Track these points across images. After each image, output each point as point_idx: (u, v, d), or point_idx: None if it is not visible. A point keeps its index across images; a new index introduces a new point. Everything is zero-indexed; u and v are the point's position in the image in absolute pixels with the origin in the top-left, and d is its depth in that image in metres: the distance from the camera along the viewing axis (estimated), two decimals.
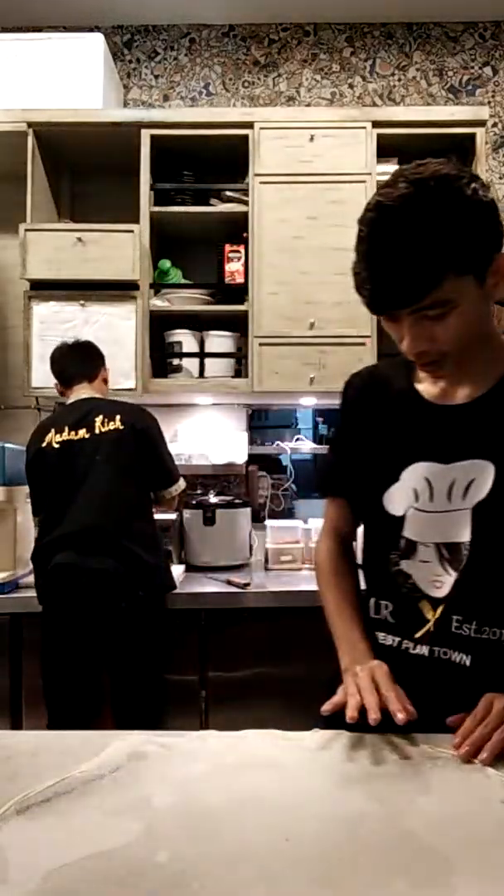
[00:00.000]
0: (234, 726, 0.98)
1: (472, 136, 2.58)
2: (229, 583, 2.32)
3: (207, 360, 2.67)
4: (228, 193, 2.65)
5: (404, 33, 3.06)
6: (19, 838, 0.72)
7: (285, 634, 2.22)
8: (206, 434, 2.93)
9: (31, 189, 2.60)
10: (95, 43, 2.67)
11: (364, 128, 2.57)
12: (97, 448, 2.07)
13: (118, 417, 2.11)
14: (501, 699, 0.92)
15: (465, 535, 1.00)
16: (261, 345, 2.55)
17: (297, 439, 3.06)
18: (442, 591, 1.02)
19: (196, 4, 2.94)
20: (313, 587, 2.38)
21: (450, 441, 1.02)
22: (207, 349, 2.68)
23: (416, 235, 0.86)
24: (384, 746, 0.92)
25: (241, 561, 2.63)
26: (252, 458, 2.96)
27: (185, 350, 2.67)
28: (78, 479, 2.05)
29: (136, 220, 2.58)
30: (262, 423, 3.13)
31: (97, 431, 2.09)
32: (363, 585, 1.17)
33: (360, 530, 1.22)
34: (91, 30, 2.96)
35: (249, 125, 2.59)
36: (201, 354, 2.68)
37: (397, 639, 1.07)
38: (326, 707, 0.95)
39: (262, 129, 2.59)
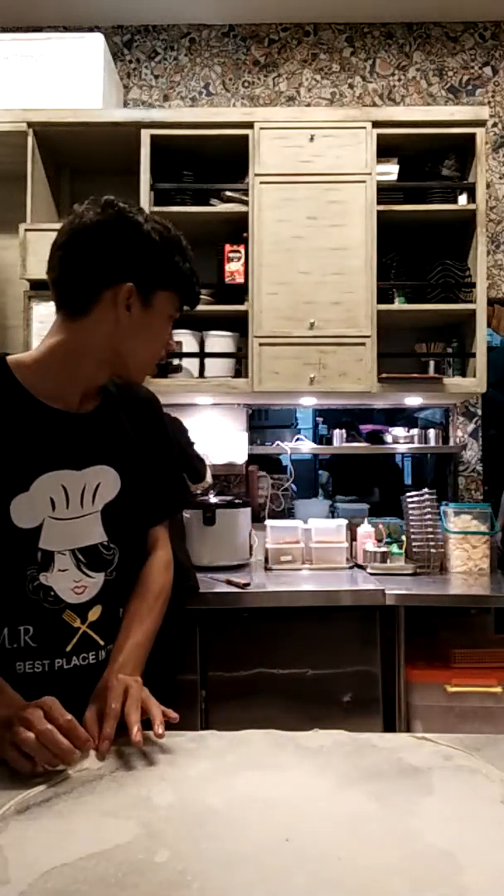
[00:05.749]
0: (234, 726, 0.98)
1: (472, 136, 2.57)
2: (229, 583, 2.31)
3: (207, 360, 2.67)
4: (228, 193, 2.65)
5: (404, 33, 3.05)
6: (19, 838, 0.72)
7: (285, 634, 2.22)
8: (206, 434, 2.93)
9: (31, 189, 2.60)
10: (95, 43, 2.67)
11: (364, 128, 2.57)
12: None
13: None
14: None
15: (97, 537, 1.06)
16: (261, 345, 2.55)
17: (297, 439, 3.05)
18: (86, 596, 1.05)
19: (196, 4, 2.94)
20: (313, 587, 2.36)
21: (81, 448, 1.06)
22: (207, 349, 2.68)
23: None
24: (384, 747, 0.92)
25: (241, 561, 2.63)
26: (252, 458, 2.96)
27: (185, 350, 2.66)
28: None
29: None
30: (262, 423, 3.13)
31: None
32: None
33: None
34: (91, 30, 2.96)
35: (249, 125, 2.59)
36: (201, 354, 2.67)
37: (45, 662, 1.02)
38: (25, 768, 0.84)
39: (262, 129, 2.58)
